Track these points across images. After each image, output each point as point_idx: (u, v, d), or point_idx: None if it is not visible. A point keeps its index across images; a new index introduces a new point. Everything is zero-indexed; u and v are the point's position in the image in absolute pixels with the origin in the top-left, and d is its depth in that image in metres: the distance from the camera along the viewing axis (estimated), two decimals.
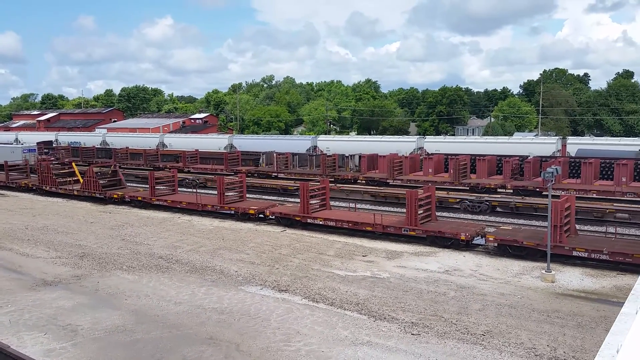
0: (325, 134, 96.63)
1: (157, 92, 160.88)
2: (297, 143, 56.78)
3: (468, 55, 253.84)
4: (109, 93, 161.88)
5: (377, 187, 37.21)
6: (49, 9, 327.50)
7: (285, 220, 27.62)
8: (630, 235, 24.23)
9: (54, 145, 74.36)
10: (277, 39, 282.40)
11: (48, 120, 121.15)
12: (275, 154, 46.69)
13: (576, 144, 43.30)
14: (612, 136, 79.26)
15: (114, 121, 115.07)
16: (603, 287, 17.69)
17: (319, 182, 30.15)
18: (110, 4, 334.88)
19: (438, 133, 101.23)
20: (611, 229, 23.27)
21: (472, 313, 15.30)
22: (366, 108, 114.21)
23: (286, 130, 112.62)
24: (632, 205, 28.59)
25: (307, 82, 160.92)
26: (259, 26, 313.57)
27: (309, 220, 26.66)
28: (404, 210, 24.86)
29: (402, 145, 50.10)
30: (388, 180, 38.95)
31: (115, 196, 35.54)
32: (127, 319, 15.24)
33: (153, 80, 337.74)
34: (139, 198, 34.31)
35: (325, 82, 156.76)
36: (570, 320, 14.59)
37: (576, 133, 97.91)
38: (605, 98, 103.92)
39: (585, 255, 19.55)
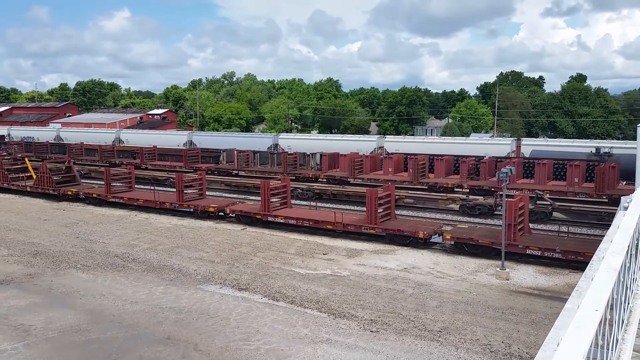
0: (287, 132, 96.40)
1: (113, 87, 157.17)
2: (258, 141, 56.45)
3: (427, 56, 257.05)
4: (63, 87, 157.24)
5: (338, 186, 37.39)
6: None
7: (246, 218, 27.47)
8: (581, 234, 25.03)
9: (6, 140, 71.95)
10: (238, 35, 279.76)
11: (0, 114, 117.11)
12: (236, 152, 46.32)
13: (530, 145, 44.35)
14: (565, 138, 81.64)
15: (69, 116, 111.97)
16: (556, 284, 18.25)
17: (280, 180, 30.07)
18: None
19: (398, 133, 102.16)
20: (564, 228, 24.00)
21: (430, 310, 15.56)
22: (328, 107, 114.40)
23: (247, 128, 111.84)
24: (417, 192, 34.31)
25: (269, 80, 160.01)
26: (220, 22, 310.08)
27: (269, 219, 26.58)
28: (364, 208, 25.06)
29: (363, 144, 50.39)
30: (349, 179, 39.16)
31: (69, 193, 34.66)
32: (81, 318, 14.91)
33: (109, 75, 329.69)
34: (94, 195, 33.55)
35: (286, 80, 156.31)
36: (524, 317, 15.00)
37: (530, 134, 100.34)
38: (559, 101, 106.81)
39: (539, 254, 20.13)
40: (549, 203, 28.27)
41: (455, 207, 30.84)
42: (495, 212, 28.91)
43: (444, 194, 33.47)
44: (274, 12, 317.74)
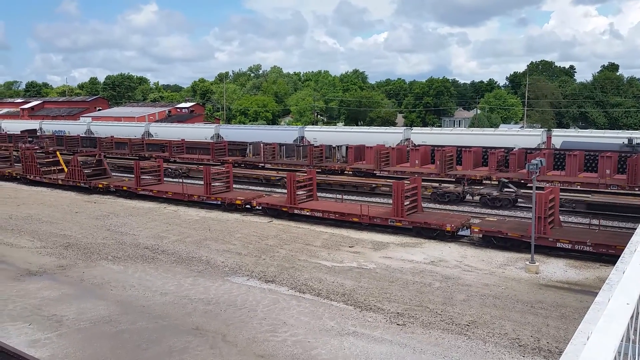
0: (313, 124, 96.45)
1: (142, 81, 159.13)
2: (284, 133, 56.63)
3: (456, 46, 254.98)
4: (93, 81, 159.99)
5: (364, 178, 37.32)
6: None
7: (272, 211, 27.60)
8: (613, 227, 24.53)
9: (38, 133, 73.54)
10: (264, 27, 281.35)
11: (32, 108, 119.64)
12: (262, 144, 46.56)
13: (561, 136, 43.59)
14: (596, 129, 79.90)
15: (99, 110, 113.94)
16: (586, 278, 17.93)
17: (305, 172, 30.14)
18: None
19: (425, 124, 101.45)
20: (595, 221, 23.53)
21: (457, 303, 15.43)
22: (354, 99, 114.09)
23: (273, 121, 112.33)
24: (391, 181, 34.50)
25: (295, 72, 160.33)
26: (246, 14, 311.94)
27: (295, 211, 26.67)
28: (391, 201, 24.95)
29: (389, 136, 50.16)
30: (375, 172, 39.03)
31: (100, 186, 35.28)
32: (112, 309, 15.18)
33: (138, 68, 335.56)
34: (125, 188, 34.08)
35: (312, 72, 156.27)
36: (554, 311, 14.78)
37: (561, 125, 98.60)
38: (590, 91, 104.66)
39: (569, 247, 19.78)
40: (513, 190, 30.14)
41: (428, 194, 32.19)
42: (465, 200, 31.02)
43: None
44: (300, 3, 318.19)
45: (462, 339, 13.08)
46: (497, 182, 31.56)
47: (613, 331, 2.74)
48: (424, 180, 34.02)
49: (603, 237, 20.13)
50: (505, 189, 30.40)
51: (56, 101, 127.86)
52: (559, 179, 32.38)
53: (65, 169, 38.85)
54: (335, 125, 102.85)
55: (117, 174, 41.46)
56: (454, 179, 35.59)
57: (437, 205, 29.99)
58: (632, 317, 3.06)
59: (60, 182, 37.81)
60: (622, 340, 2.85)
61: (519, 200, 29.89)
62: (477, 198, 30.61)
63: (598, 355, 2.48)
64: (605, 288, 3.34)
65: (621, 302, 3.10)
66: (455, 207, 29.46)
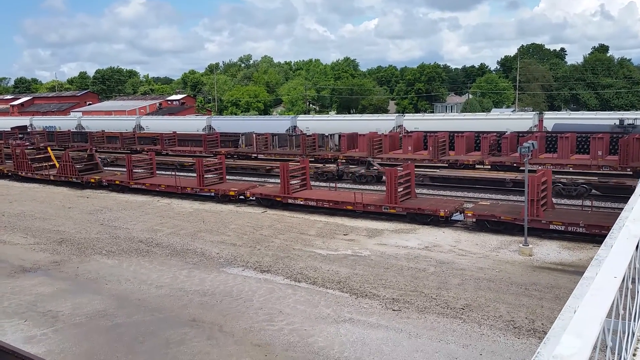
0: (305, 113, 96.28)
1: (132, 74, 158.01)
2: (276, 123, 56.44)
3: (447, 31, 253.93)
4: (83, 75, 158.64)
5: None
6: None
7: (266, 201, 27.58)
8: (606, 207, 24.66)
9: (28, 130, 73.01)
10: (254, 17, 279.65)
11: (22, 104, 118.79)
12: (254, 135, 46.41)
13: (553, 119, 43.69)
14: (588, 110, 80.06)
15: (89, 104, 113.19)
16: (580, 259, 18.04)
17: (298, 162, 30.09)
18: None
19: (417, 111, 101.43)
20: (587, 202, 23.65)
21: (452, 288, 15.51)
22: (345, 87, 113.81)
23: (265, 111, 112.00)
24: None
25: (286, 61, 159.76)
26: (236, 4, 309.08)
27: (289, 201, 26.64)
28: (384, 188, 24.97)
29: (382, 123, 50.08)
30: (368, 159, 38.97)
31: (92, 180, 35.11)
32: (108, 303, 15.17)
33: (128, 61, 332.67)
34: (117, 182, 33.94)
35: (303, 60, 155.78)
36: (548, 293, 14.88)
37: (553, 108, 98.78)
38: (581, 73, 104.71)
39: (562, 229, 19.89)
40: (377, 168, 33.91)
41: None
42: (343, 178, 34.64)
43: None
44: None
45: (457, 323, 13.16)
46: (364, 162, 36.00)
47: (600, 304, 2.75)
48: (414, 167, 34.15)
49: (596, 218, 20.23)
50: (372, 168, 34.42)
51: (46, 97, 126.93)
52: (551, 161, 32.48)
53: (57, 165, 38.59)
54: (328, 114, 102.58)
55: (108, 168, 41.26)
56: (447, 165, 35.65)
57: (355, 186, 32.55)
58: (621, 293, 3.08)
59: (52, 178, 37.60)
60: (611, 317, 2.87)
61: (383, 177, 31.89)
62: (350, 176, 34.20)
63: (584, 328, 2.49)
64: (593, 263, 3.36)
65: (608, 276, 3.12)
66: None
